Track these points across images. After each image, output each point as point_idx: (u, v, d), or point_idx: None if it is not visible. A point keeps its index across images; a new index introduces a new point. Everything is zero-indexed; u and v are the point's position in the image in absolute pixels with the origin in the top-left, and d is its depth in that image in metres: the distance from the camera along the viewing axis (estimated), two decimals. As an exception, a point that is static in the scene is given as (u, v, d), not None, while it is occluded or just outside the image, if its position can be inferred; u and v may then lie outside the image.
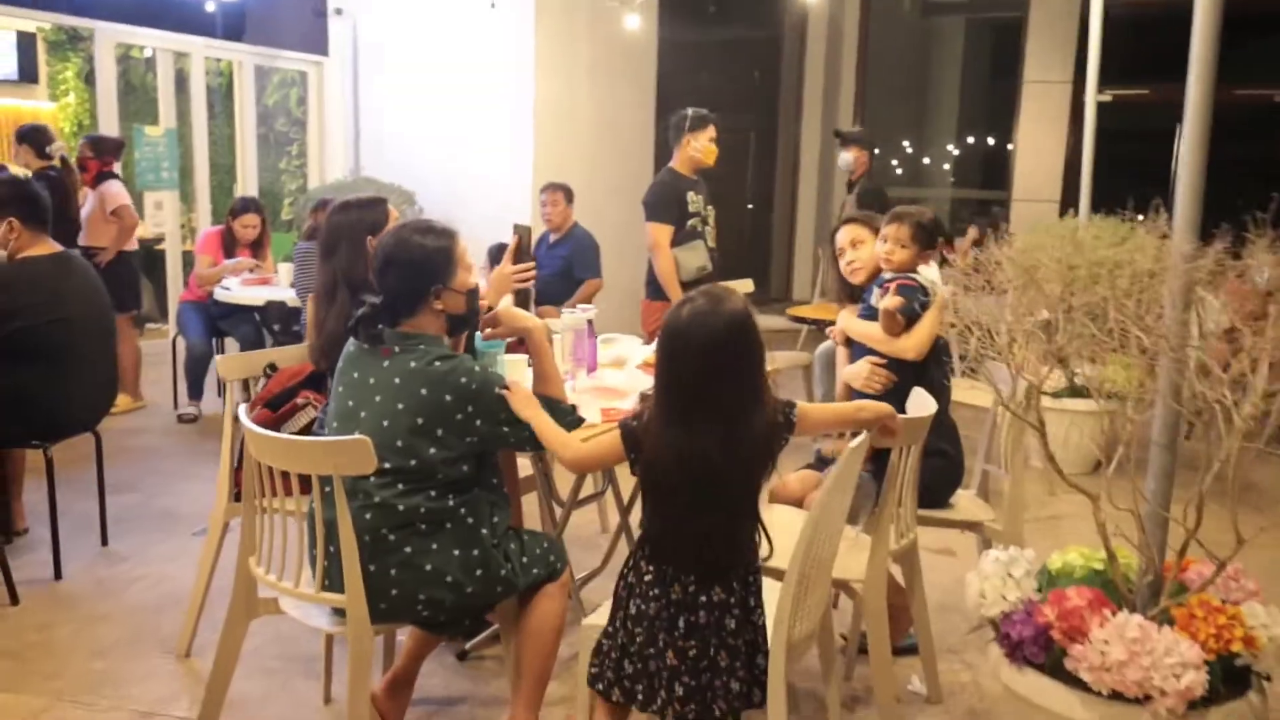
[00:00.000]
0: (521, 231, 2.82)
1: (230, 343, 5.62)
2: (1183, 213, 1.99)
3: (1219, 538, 1.94)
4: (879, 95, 10.85)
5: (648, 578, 1.85)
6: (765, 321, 2.02)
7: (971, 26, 12.13)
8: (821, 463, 2.98)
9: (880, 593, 2.33)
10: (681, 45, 8.90)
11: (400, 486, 2.00)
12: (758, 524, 1.88)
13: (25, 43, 8.82)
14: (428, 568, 2.00)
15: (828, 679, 2.31)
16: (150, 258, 6.98)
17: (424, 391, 2.03)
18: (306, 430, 2.65)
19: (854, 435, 2.04)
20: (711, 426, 1.77)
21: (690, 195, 4.54)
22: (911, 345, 2.73)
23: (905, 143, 12.49)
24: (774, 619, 1.87)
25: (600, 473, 3.23)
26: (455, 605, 2.05)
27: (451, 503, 2.04)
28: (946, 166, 12.48)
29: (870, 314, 2.86)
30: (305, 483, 2.01)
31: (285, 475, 2.02)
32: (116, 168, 5.51)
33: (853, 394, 2.86)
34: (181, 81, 7.16)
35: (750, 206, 10.84)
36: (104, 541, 3.61)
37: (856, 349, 2.89)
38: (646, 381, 2.73)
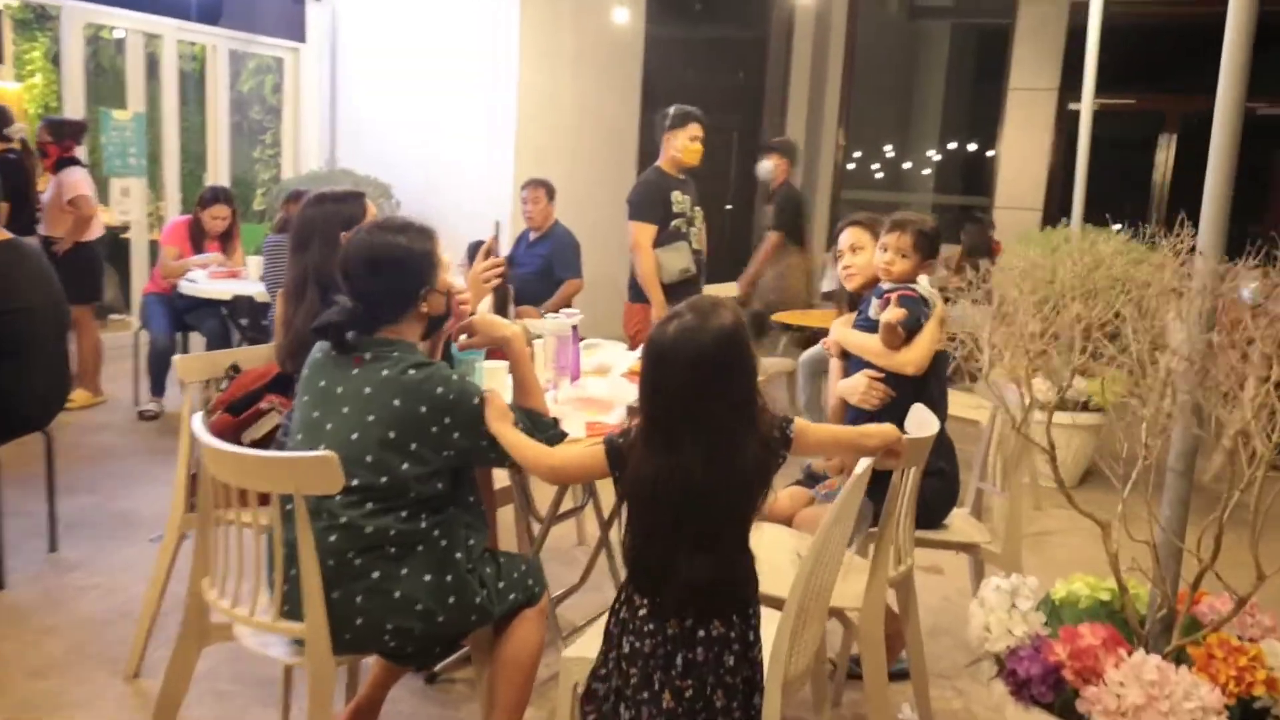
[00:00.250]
0: (494, 229, 2.70)
1: (196, 337, 5.42)
2: (1208, 230, 1.88)
3: (1233, 567, 1.82)
4: (864, 98, 10.78)
5: (642, 612, 1.70)
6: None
7: (957, 31, 12.09)
8: (811, 479, 2.86)
9: (878, 622, 2.21)
10: (668, 42, 8.78)
11: (369, 506, 1.85)
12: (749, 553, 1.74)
13: (-10, 21, 8.54)
14: (396, 595, 1.85)
15: (820, 709, 2.19)
16: (116, 246, 6.75)
17: (397, 402, 1.88)
18: (270, 437, 2.49)
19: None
20: (698, 450, 1.63)
21: (676, 195, 4.42)
22: (912, 359, 2.61)
23: (887, 147, 12.44)
24: (770, 655, 1.74)
25: (581, 486, 3.09)
26: (425, 635, 1.89)
27: (424, 524, 1.89)
28: (927, 172, 12.44)
29: (867, 325, 2.73)
30: (266, 492, 1.86)
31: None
32: (80, 152, 5.30)
33: (848, 408, 2.74)
34: (153, 65, 6.94)
35: (729, 207, 10.73)
36: (53, 547, 3.42)
37: (853, 361, 2.77)
38: (632, 390, 2.60)
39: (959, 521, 2.85)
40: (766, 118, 10.73)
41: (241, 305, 4.88)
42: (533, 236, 5.56)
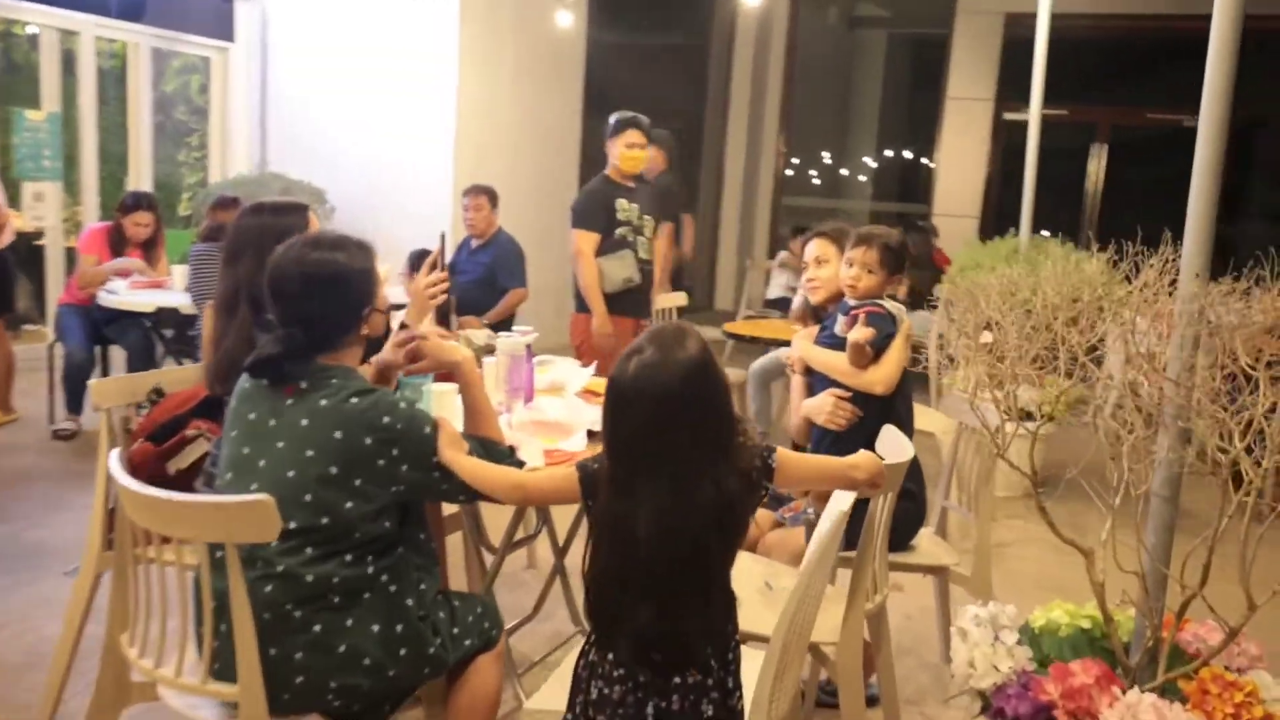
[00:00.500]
0: (440, 240, 2.55)
1: (116, 351, 5.10)
2: (1191, 250, 1.81)
3: (1218, 594, 1.75)
4: (802, 105, 10.80)
5: (611, 656, 1.57)
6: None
7: (894, 41, 12.21)
8: (775, 501, 2.75)
9: (856, 655, 2.10)
10: (610, 47, 8.67)
11: (309, 551, 1.67)
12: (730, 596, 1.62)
13: (-110, 13, 8.04)
14: (341, 649, 1.67)
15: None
16: (30, 254, 6.38)
17: (339, 434, 1.71)
18: (197, 466, 2.29)
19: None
20: (661, 492, 1.50)
21: (621, 203, 4.32)
22: (880, 379, 2.51)
23: (825, 154, 12.49)
24: (752, 702, 1.62)
25: (535, 511, 2.93)
26: (374, 691, 1.72)
27: (371, 569, 1.72)
28: (864, 179, 12.53)
29: (832, 342, 2.64)
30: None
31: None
32: (-14, 155, 4.98)
33: (813, 428, 2.64)
34: (69, 62, 6.58)
35: (673, 214, 10.65)
36: (-42, 584, 3.16)
37: (817, 378, 2.67)
38: (589, 411, 2.46)
39: (926, 542, 2.77)
40: (708, 123, 10.68)
41: (167, 317, 4.61)
42: (475, 244, 5.38)
